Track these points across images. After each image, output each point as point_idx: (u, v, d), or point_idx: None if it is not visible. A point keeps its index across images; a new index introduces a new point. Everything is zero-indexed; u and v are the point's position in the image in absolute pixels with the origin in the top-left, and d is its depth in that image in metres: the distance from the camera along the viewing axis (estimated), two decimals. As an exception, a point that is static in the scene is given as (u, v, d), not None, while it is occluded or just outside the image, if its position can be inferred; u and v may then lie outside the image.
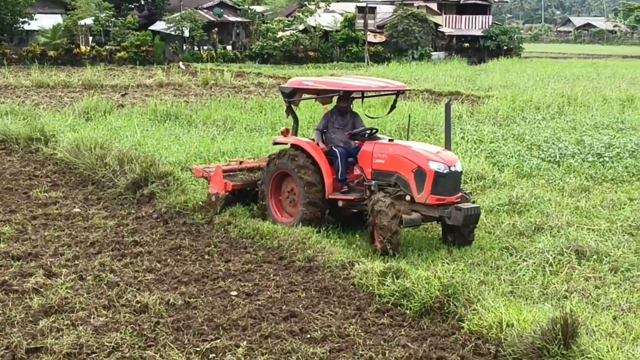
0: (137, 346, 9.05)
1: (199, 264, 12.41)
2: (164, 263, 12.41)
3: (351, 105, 14.95)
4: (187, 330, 9.58)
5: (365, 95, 15.90)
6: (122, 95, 34.43)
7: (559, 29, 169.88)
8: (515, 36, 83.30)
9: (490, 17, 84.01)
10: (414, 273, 10.96)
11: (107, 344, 9.02)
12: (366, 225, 13.56)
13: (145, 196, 16.47)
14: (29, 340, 9.07)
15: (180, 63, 60.18)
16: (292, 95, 15.02)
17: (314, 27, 71.92)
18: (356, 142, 14.37)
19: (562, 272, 12.02)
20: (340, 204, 14.10)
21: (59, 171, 19.58)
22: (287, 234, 13.36)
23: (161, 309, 10.23)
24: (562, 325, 8.58)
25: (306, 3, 79.42)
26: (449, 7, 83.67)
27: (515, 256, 12.80)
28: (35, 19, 64.53)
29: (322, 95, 15.05)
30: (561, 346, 8.53)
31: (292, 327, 9.72)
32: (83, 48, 62.96)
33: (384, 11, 78.14)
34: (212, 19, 71.68)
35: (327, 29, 73.32)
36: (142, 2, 76.23)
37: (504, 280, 11.88)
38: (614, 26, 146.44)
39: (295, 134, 15.26)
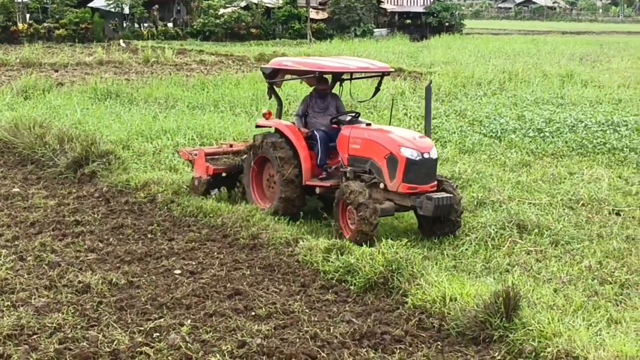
0: (79, 326, 8.94)
1: (142, 243, 12.30)
2: (106, 242, 12.28)
3: (340, 87, 14.53)
4: (130, 310, 9.50)
5: (352, 77, 15.21)
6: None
7: (499, 5, 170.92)
8: (457, 13, 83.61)
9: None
10: (358, 249, 10.99)
11: (49, 325, 8.90)
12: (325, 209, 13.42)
13: (86, 175, 16.27)
14: (-31, 323, 8.93)
15: (121, 41, 59.41)
16: (273, 76, 14.45)
17: (256, 4, 71.45)
18: (333, 126, 13.80)
19: (504, 246, 12.15)
20: (317, 190, 13.57)
21: (-3, 151, 19.26)
22: (231, 211, 13.31)
23: (104, 288, 10.13)
24: (504, 299, 8.66)
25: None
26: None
27: (458, 231, 12.88)
28: (-30, -3, 63.26)
29: (302, 76, 14.44)
30: (503, 319, 8.62)
31: (237, 304, 9.69)
32: (20, 25, 61.74)
33: (326, -12, 77.97)
34: (152, -5, 70.89)
35: (269, 5, 72.92)
36: (81, -21, 75.10)
37: (447, 255, 11.98)
38: (554, 2, 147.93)
39: (279, 117, 14.70)
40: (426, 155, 12.46)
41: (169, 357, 8.15)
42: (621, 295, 10.34)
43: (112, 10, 66.75)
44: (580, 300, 9.90)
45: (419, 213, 12.63)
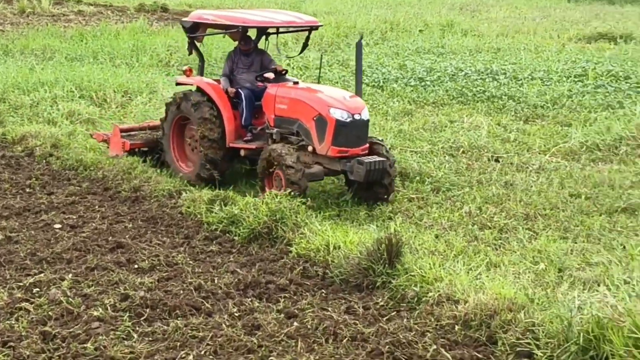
0: (-45, 284, 8.70)
1: (20, 198, 12.00)
2: (-18, 198, 11.94)
3: (265, 42, 13.76)
4: (8, 266, 9.27)
5: (279, 32, 14.13)
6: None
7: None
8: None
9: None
10: (242, 200, 10.97)
11: None
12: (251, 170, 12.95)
13: (-41, 129, 15.76)
14: None
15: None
16: (194, 31, 13.42)
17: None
18: (259, 84, 12.98)
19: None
20: (242, 153, 12.76)
21: None
22: (112, 164, 13.09)
23: (-20, 244, 9.87)
24: (386, 245, 8.76)
25: None
26: None
27: (342, 181, 12.94)
28: None
29: (225, 30, 13.46)
30: (386, 265, 8.73)
31: (119, 258, 9.56)
32: None
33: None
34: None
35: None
36: None
37: (330, 204, 12.05)
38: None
39: (202, 74, 13.78)
40: (357, 117, 11.77)
41: (50, 312, 7.98)
42: (500, 239, 10.59)
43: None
44: (461, 246, 10.10)
45: (350, 178, 11.95)
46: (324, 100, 11.94)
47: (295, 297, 8.62)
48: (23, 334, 7.50)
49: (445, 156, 14.48)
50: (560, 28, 32.70)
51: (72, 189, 12.37)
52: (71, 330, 7.59)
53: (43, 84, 19.39)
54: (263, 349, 7.31)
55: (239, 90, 12.88)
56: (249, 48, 13.27)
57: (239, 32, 12.97)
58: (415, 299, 8.33)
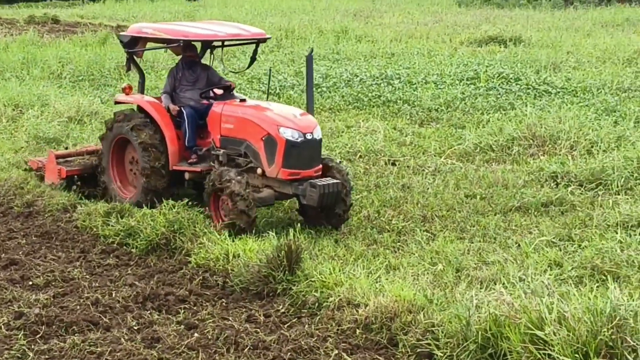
0: None
1: None
2: None
3: (210, 56, 13.00)
4: None
5: (224, 45, 13.22)
6: None
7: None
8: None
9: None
10: (139, 212, 10.85)
11: None
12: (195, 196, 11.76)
13: None
14: None
15: None
16: (132, 45, 12.48)
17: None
18: (204, 101, 12.10)
19: (285, 201, 12.18)
20: (186, 176, 11.77)
21: None
22: (3, 179, 12.82)
23: None
24: (286, 252, 8.78)
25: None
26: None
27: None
28: None
29: (167, 45, 12.61)
30: (286, 272, 8.75)
31: (13, 275, 9.38)
32: None
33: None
34: None
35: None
36: None
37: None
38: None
39: (142, 92, 12.83)
40: (309, 136, 10.99)
41: (-60, 335, 7.74)
42: (398, 242, 10.68)
43: None
44: (361, 249, 10.17)
45: (302, 202, 11.13)
46: (273, 118, 11.17)
47: (195, 308, 8.56)
48: None
49: (343, 161, 14.53)
50: (452, 32, 33.19)
51: (-39, 206, 12.04)
52: (-37, 351, 7.38)
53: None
54: (163, 361, 7.23)
55: (182, 108, 11.93)
56: (193, 55, 12.43)
57: (180, 47, 12.27)
58: (316, 304, 8.37)
